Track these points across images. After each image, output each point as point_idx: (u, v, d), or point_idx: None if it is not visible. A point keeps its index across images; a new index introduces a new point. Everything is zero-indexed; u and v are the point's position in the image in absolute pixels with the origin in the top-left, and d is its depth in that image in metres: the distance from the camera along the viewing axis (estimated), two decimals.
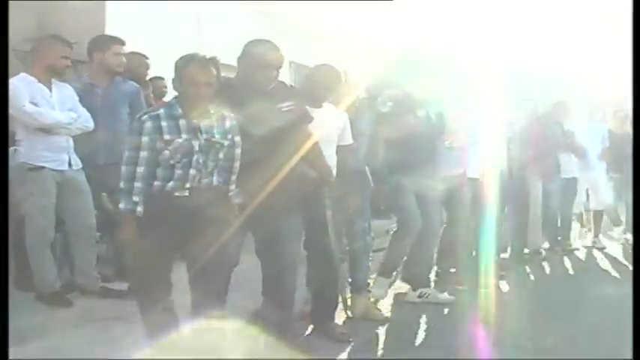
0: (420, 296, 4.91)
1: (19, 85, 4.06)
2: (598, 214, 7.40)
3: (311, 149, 3.68)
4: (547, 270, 6.31)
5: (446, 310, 4.71)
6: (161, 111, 3.16)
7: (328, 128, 4.04)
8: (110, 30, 5.95)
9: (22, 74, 4.17)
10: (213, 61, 3.19)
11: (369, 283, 4.76)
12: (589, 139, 7.20)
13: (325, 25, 9.60)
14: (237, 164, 3.34)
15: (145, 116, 3.15)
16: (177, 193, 3.12)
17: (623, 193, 7.43)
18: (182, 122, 3.13)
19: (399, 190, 4.75)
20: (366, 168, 4.65)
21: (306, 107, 3.88)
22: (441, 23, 10.59)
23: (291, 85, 3.83)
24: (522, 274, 5.99)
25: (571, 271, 6.36)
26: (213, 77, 3.16)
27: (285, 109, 3.58)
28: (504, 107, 5.64)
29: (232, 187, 3.35)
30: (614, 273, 6.17)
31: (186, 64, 3.16)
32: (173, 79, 3.23)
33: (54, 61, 4.25)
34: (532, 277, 5.92)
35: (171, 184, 3.11)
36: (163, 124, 3.10)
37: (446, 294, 5.00)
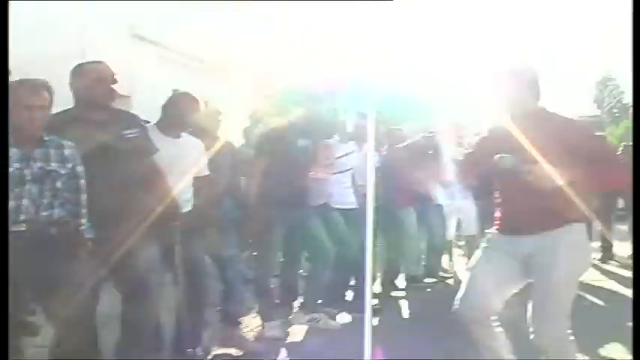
0: (309, 321, 4.97)
1: None
2: (471, 239, 7.55)
3: (156, 180, 3.64)
4: (424, 296, 6.44)
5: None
6: None
7: (184, 158, 4.01)
8: None
9: None
10: (45, 84, 3.10)
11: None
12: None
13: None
14: (84, 196, 3.22)
15: None
16: (13, 228, 2.95)
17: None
18: (13, 150, 3.00)
19: (268, 224, 4.77)
20: (226, 198, 4.68)
21: (163, 136, 3.92)
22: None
23: (137, 115, 3.80)
24: (399, 301, 6.11)
25: (445, 297, 6.50)
26: (45, 101, 3.07)
27: (129, 135, 3.55)
28: (373, 135, 5.74)
29: (83, 220, 3.21)
30: None
31: (17, 88, 3.04)
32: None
33: None
34: (409, 305, 6.02)
35: None
36: None
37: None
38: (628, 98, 30.74)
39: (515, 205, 3.13)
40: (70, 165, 3.16)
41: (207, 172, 4.24)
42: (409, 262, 6.73)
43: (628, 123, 20.92)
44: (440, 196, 7.08)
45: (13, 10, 6.28)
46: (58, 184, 3.11)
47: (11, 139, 2.99)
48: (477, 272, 3.23)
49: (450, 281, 7.16)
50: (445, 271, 7.43)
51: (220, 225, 4.47)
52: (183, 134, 4.14)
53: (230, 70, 9.64)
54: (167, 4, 8.91)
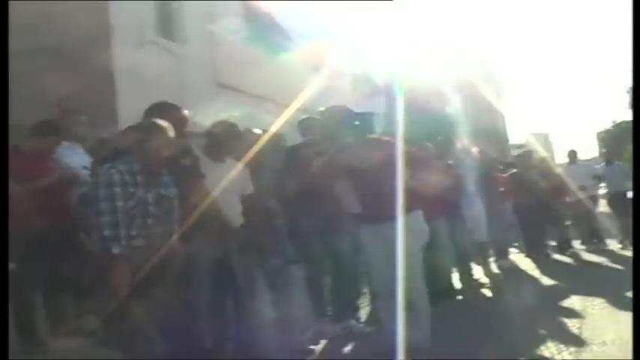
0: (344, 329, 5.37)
1: None
2: (484, 245, 8.20)
3: (205, 200, 4.15)
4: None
5: None
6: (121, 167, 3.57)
7: (230, 180, 4.43)
8: None
9: None
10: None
11: None
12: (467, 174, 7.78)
13: None
14: (175, 214, 3.87)
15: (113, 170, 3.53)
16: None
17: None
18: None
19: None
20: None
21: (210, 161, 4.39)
22: None
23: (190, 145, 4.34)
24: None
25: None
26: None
27: (185, 164, 4.08)
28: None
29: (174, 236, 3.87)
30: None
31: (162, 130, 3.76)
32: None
33: None
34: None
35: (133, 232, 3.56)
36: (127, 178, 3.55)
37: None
38: None
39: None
40: (171, 190, 3.82)
41: (251, 191, 4.77)
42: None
43: None
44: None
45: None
46: (167, 207, 3.76)
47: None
48: None
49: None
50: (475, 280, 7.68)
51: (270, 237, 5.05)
52: (227, 159, 4.59)
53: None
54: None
